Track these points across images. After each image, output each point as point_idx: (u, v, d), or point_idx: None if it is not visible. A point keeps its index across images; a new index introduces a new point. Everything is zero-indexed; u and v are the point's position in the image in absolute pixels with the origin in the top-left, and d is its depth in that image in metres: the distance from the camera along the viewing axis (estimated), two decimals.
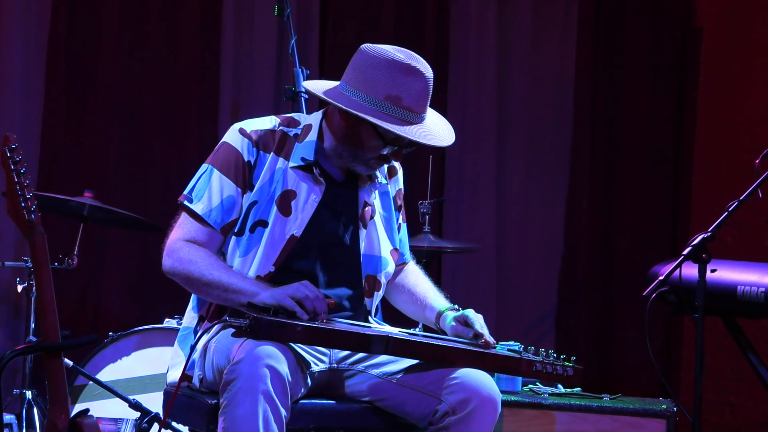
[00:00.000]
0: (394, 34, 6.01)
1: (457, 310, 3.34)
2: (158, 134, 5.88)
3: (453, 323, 3.30)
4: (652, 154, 6.30)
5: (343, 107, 3.18)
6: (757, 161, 3.80)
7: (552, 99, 6.32)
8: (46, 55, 5.75)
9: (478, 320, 3.26)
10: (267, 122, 3.34)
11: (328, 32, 6.07)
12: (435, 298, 3.44)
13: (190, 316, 3.37)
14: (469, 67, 6.24)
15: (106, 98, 5.81)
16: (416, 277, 3.51)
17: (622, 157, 6.31)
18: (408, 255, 3.55)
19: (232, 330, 3.11)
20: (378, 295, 3.39)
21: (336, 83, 3.28)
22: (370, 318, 3.37)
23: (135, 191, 5.79)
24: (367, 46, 3.23)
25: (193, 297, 3.36)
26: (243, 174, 3.27)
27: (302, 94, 4.30)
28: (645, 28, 6.30)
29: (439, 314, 3.37)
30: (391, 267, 3.41)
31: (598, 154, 6.28)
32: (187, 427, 3.48)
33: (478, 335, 3.23)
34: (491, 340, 3.23)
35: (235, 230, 3.27)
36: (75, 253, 4.91)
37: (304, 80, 4.33)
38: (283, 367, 2.99)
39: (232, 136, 3.31)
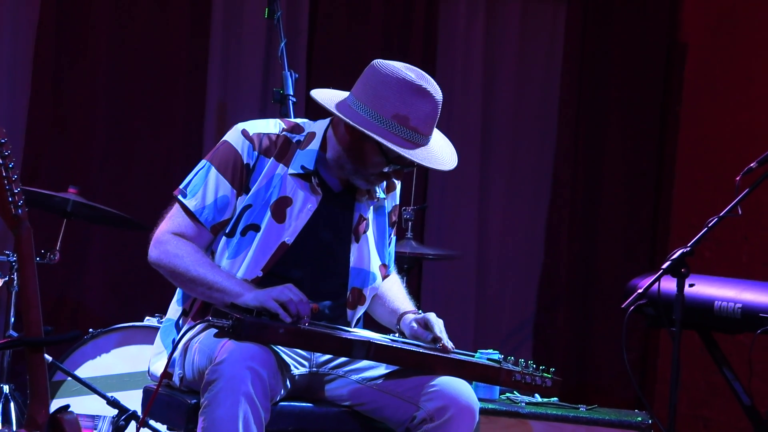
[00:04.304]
0: (382, 42, 6.04)
1: (420, 314, 3.34)
2: (144, 132, 5.89)
3: (413, 324, 3.30)
4: (634, 167, 6.32)
5: (350, 122, 3.16)
6: (737, 178, 3.82)
7: (536, 109, 6.35)
8: (33, 50, 5.75)
9: (438, 324, 3.26)
10: (271, 125, 3.31)
11: (316, 36, 6.08)
12: (402, 301, 3.44)
13: (174, 309, 3.36)
14: (456, 74, 6.26)
15: (92, 95, 5.81)
16: (391, 284, 3.51)
17: (604, 169, 6.33)
18: (392, 267, 3.55)
19: (215, 330, 3.12)
20: (360, 309, 3.39)
21: (345, 93, 3.25)
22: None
23: (119, 188, 5.79)
24: (379, 62, 3.20)
25: (178, 290, 3.35)
26: (240, 176, 3.25)
27: (290, 98, 4.30)
28: (631, 41, 6.32)
29: (401, 315, 3.37)
30: (378, 282, 3.41)
31: (581, 166, 6.31)
32: (165, 426, 3.49)
33: (436, 339, 3.23)
34: (449, 345, 3.23)
35: (226, 231, 3.27)
36: (57, 248, 4.90)
37: (292, 83, 4.34)
38: (265, 369, 3.00)
39: (233, 136, 3.29)
